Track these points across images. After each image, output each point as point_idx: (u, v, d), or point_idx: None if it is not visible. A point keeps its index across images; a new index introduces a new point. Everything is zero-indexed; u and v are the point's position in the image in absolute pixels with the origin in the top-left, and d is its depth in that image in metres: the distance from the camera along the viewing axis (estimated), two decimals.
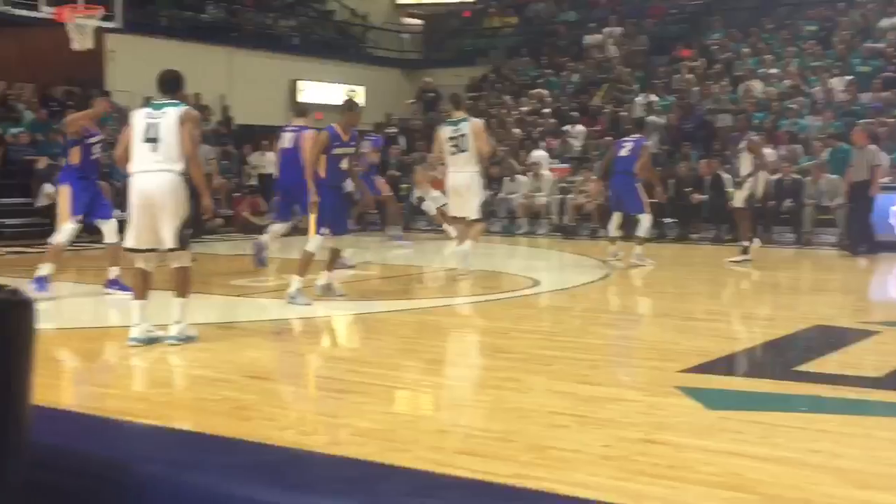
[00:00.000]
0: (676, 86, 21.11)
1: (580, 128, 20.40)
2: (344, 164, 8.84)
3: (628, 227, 12.53)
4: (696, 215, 16.90)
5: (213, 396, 5.35)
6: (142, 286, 6.92)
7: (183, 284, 6.98)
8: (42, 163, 16.43)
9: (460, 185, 10.64)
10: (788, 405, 5.12)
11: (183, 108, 6.90)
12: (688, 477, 3.86)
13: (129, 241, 6.89)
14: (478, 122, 11.07)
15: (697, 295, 10.50)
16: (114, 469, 0.83)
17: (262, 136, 20.68)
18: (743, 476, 3.86)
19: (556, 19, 26.31)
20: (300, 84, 24.06)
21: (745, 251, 12.70)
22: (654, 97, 20.51)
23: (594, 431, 4.56)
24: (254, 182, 19.46)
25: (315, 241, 8.86)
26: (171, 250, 6.83)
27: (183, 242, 6.81)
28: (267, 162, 19.51)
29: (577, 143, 20.13)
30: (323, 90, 24.43)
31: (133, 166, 6.84)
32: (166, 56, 20.24)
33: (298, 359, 7.00)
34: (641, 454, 4.16)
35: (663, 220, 17.41)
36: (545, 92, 22.62)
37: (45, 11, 12.88)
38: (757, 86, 19.68)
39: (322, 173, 8.78)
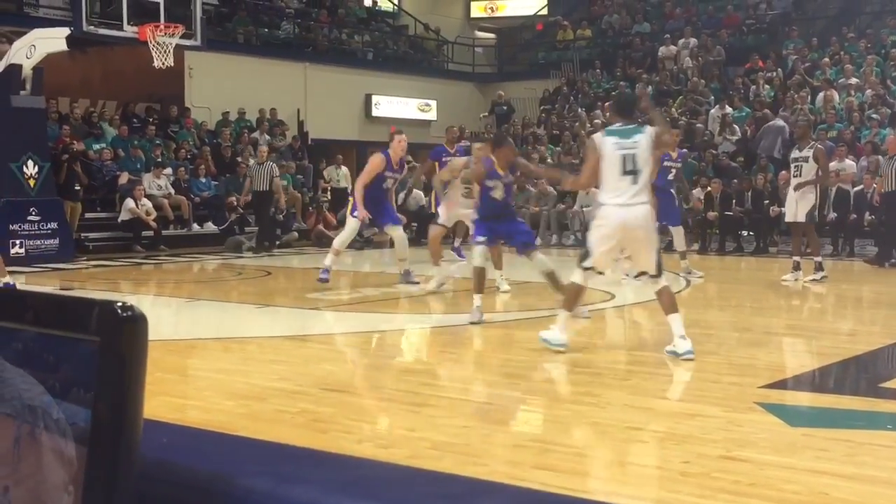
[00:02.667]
0: (753, 97, 20.82)
1: None
2: (497, 194, 8.73)
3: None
4: (774, 228, 16.62)
5: (291, 409, 5.41)
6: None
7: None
8: (124, 178, 16.83)
9: None
10: (874, 423, 5.00)
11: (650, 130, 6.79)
12: (770, 495, 3.78)
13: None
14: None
15: (776, 309, 10.31)
16: (220, 482, 0.85)
17: (337, 150, 20.93)
18: (828, 495, 3.77)
19: (630, 31, 26.14)
20: (374, 98, 24.28)
21: (818, 267, 12.11)
22: (729, 109, 20.25)
23: (673, 448, 4.50)
24: (326, 196, 19.67)
25: (477, 251, 8.76)
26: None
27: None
28: (342, 176, 19.74)
29: None
30: (396, 105, 24.62)
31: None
32: (243, 72, 20.69)
33: (375, 372, 7.04)
34: (722, 471, 4.09)
35: (741, 233, 17.16)
36: None
37: (129, 31, 13.19)
38: (836, 96, 19.30)
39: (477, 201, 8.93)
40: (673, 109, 21.68)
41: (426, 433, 4.82)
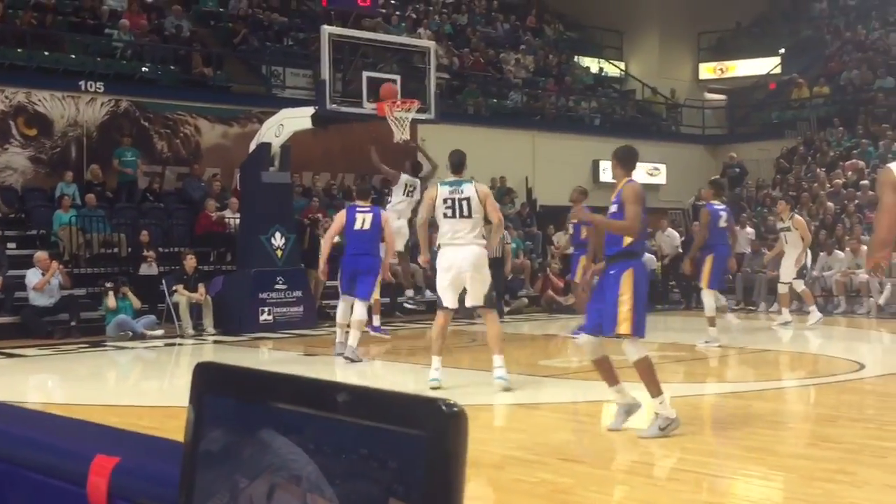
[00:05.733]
0: None
1: None
2: None
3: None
4: None
5: (530, 479, 5.40)
6: None
7: None
8: None
9: None
10: None
11: None
12: None
13: None
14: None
15: None
16: None
17: (565, 216, 21.01)
18: None
19: (872, 86, 24.96)
20: (602, 164, 24.26)
21: None
22: None
23: None
24: (556, 263, 19.72)
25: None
26: None
27: None
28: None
29: None
30: None
31: None
32: (473, 142, 21.14)
33: (610, 442, 6.93)
34: None
35: None
36: (861, 163, 21.42)
37: (368, 108, 13.84)
38: None
39: None
40: None
41: None
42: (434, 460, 0.75)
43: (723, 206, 12.21)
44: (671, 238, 19.54)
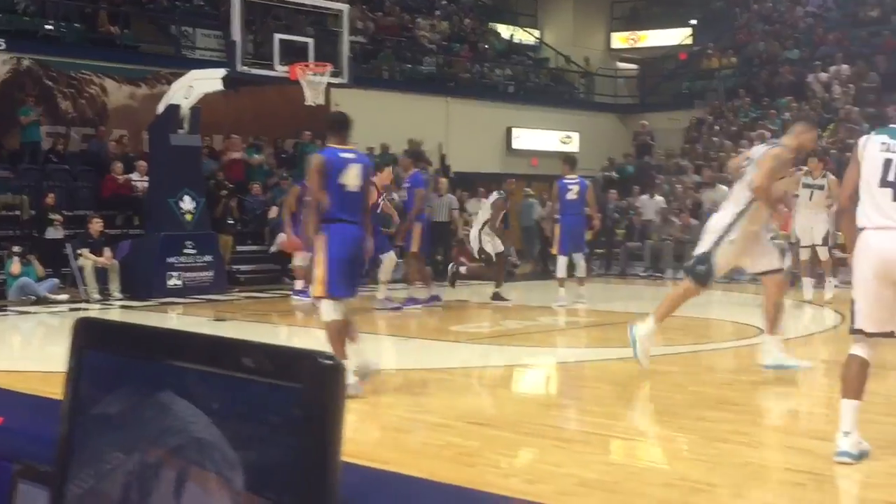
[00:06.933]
0: None
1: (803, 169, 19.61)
2: None
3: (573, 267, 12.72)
4: None
5: (437, 441, 5.45)
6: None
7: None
8: (274, 212, 17.35)
9: None
10: None
11: None
12: None
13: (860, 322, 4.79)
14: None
15: None
16: None
17: (478, 182, 21.09)
18: None
19: (778, 58, 25.52)
20: (515, 131, 24.39)
21: None
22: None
23: (833, 492, 4.33)
24: (468, 229, 19.79)
25: None
26: None
27: None
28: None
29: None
30: (536, 137, 24.66)
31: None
32: (387, 107, 21.12)
33: (518, 405, 7.03)
34: None
35: None
36: (767, 133, 21.91)
37: (280, 70, 13.66)
38: None
39: None
40: (824, 138, 21.02)
41: (573, 469, 4.77)
42: (310, 413, 0.75)
43: (574, 180, 12.75)
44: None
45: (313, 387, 0.74)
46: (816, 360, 8.86)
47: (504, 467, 4.89)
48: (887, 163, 4.91)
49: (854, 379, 4.71)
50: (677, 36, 30.18)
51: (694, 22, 29.81)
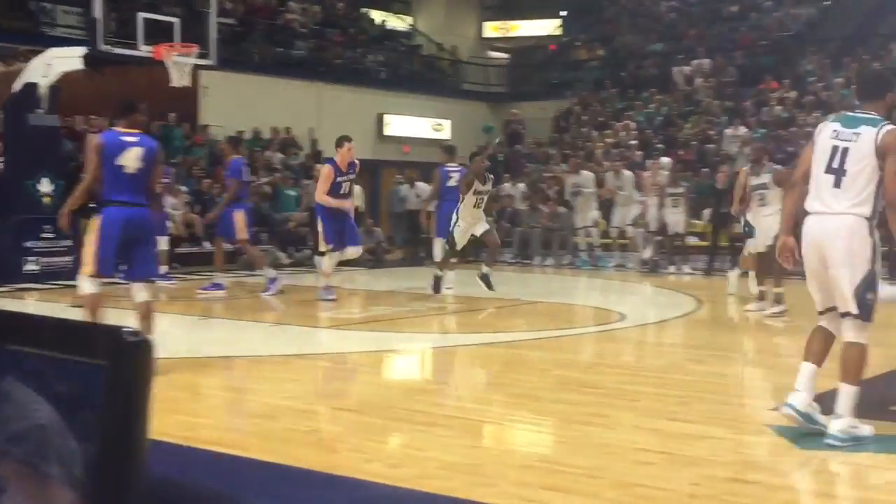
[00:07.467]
0: (766, 117, 20.83)
1: (666, 160, 20.20)
2: None
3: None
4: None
5: (302, 428, 5.43)
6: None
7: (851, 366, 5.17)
8: None
9: None
10: (884, 446, 4.98)
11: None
12: None
13: None
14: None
15: (796, 331, 10.22)
16: (224, 502, 0.87)
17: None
18: None
19: (643, 51, 26.22)
20: (386, 118, 24.36)
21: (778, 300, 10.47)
22: (743, 129, 20.25)
23: (682, 469, 4.50)
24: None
25: None
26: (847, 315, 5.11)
27: (865, 309, 5.04)
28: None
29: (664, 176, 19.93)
30: (408, 124, 24.69)
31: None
32: (257, 91, 20.81)
33: (384, 391, 7.05)
34: (731, 494, 4.09)
35: None
36: (632, 124, 22.51)
37: (144, 50, 13.30)
38: None
39: None
40: (686, 129, 21.72)
41: (435, 453, 4.82)
42: (115, 390, 0.74)
43: (456, 168, 13.13)
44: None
45: (117, 363, 0.74)
46: (684, 345, 9.19)
47: (367, 452, 4.90)
48: (834, 150, 5.07)
49: (810, 343, 5.33)
50: (548, 27, 30.67)
51: (564, 14, 30.34)
